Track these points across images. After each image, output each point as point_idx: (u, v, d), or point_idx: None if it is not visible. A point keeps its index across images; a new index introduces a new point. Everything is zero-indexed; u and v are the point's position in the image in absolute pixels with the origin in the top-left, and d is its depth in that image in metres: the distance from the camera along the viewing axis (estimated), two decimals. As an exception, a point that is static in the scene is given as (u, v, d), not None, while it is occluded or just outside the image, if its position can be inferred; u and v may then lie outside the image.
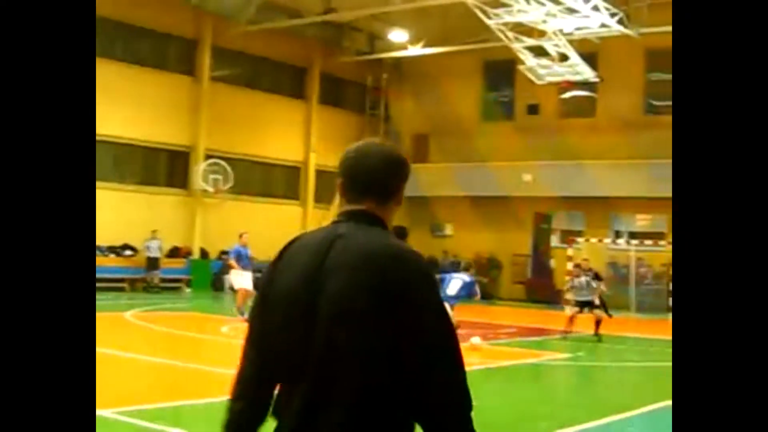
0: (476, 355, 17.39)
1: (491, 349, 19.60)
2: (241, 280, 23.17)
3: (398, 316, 2.84)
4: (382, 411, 2.87)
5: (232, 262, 23.49)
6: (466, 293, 19.13)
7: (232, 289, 25.09)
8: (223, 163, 34.74)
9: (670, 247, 32.63)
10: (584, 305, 22.69)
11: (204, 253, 35.09)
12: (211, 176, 34.46)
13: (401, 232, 9.98)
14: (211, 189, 34.36)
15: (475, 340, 18.79)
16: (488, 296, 36.81)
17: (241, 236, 23.76)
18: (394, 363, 2.84)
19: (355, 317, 2.86)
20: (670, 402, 13.65)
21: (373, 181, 3.22)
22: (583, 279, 23.05)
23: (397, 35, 38.38)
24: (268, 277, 3.15)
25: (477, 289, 19.98)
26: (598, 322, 22.20)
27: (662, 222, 35.78)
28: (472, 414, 2.90)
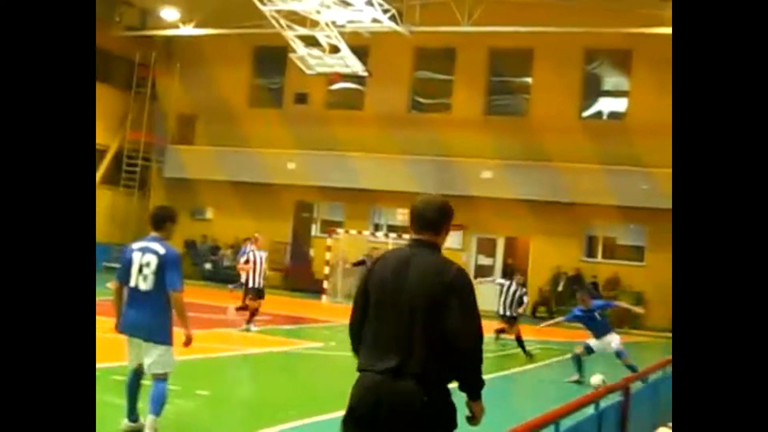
0: (228, 342, 17.28)
1: (243, 336, 19.51)
2: None
3: (450, 296, 4.96)
4: (443, 353, 4.93)
5: None
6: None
7: None
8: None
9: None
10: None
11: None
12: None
13: (168, 214, 9.47)
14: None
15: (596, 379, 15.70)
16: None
17: None
18: (444, 321, 4.93)
19: (428, 297, 4.99)
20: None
21: (430, 221, 5.27)
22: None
23: (169, 13, 37.60)
24: (366, 275, 5.35)
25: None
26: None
27: (420, 217, 36.63)
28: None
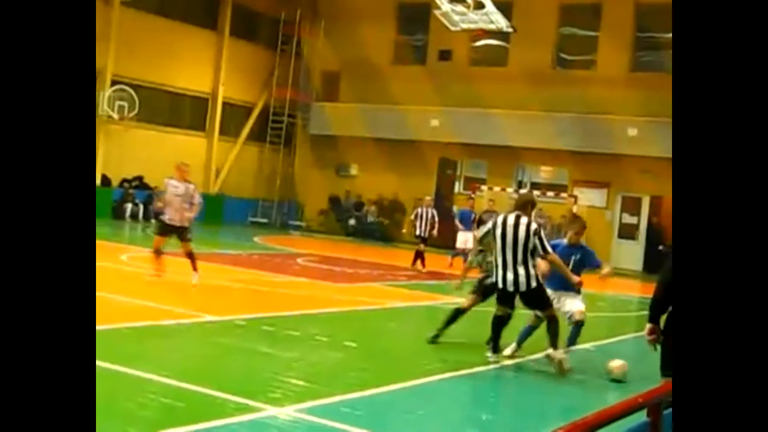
0: (373, 296, 17.59)
1: (390, 290, 19.82)
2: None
3: None
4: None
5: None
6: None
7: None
8: (129, 89, 34.16)
9: (570, 200, 33.21)
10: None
11: (105, 181, 34.61)
12: (117, 102, 33.86)
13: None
14: (116, 115, 33.78)
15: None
16: (389, 239, 37.11)
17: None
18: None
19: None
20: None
21: None
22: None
23: (314, -29, 37.97)
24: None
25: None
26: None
27: (564, 174, 36.37)
28: None
